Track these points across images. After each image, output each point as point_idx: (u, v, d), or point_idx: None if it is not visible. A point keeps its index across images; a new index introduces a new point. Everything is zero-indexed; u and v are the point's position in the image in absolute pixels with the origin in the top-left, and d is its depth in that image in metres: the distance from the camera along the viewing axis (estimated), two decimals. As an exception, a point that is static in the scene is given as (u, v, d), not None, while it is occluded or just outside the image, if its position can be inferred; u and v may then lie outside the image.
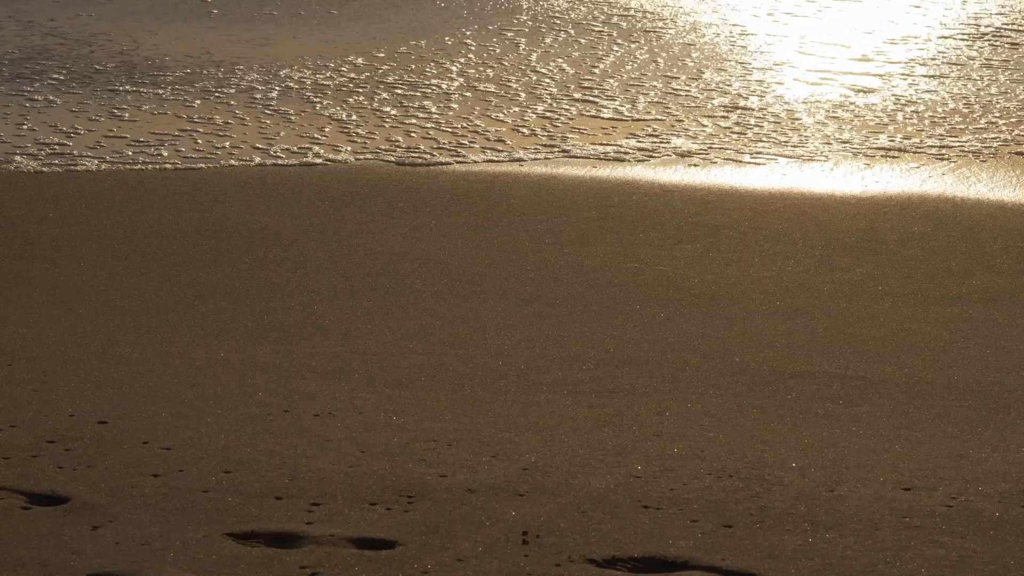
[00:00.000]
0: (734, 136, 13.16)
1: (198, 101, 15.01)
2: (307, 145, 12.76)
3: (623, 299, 8.63)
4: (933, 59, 17.12)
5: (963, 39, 18.48)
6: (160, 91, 15.40)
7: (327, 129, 13.48)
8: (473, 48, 18.05)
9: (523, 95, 15.19)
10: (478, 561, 4.91)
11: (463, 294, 8.69)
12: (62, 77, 15.79)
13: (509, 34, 19.17)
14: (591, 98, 15.29)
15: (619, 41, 18.59)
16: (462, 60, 17.22)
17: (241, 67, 16.66)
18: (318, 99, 15.08)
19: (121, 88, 15.48)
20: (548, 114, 14.26)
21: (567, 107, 14.60)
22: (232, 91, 15.41)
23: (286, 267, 9.20)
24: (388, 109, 14.52)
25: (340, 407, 6.51)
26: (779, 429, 6.37)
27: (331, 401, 6.60)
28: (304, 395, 6.69)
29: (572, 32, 19.14)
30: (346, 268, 9.22)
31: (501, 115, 14.23)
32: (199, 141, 12.94)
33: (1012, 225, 10.36)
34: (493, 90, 15.53)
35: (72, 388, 6.72)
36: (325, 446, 5.94)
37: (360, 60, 17.20)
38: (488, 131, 13.41)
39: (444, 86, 15.70)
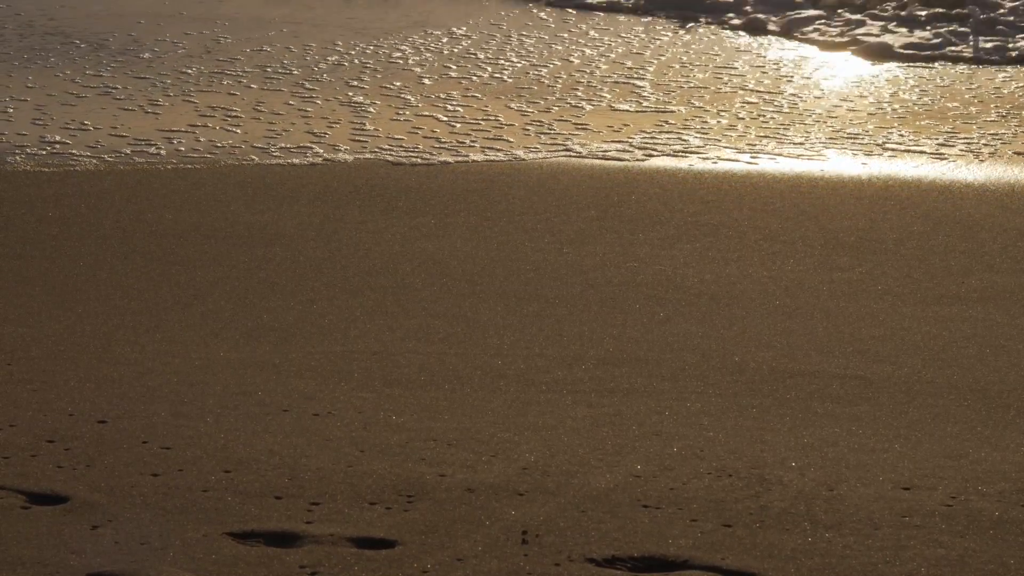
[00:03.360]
0: (738, 134, 13.14)
1: (254, 85, 15.05)
2: (307, 144, 12.75)
3: (622, 298, 8.63)
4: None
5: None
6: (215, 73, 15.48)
7: (337, 125, 13.45)
8: (532, 27, 18.06)
9: (557, 85, 15.21)
10: (478, 561, 4.91)
11: (462, 293, 8.69)
12: (66, 66, 15.76)
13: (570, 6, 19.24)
14: (623, 80, 15.28)
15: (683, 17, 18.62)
16: (519, 43, 17.21)
17: (340, 43, 16.74)
18: (355, 83, 15.11)
19: (142, 75, 15.50)
20: (565, 108, 14.23)
21: (586, 101, 14.57)
22: (284, 75, 15.48)
23: (285, 266, 9.20)
24: (410, 98, 14.53)
25: (339, 406, 6.52)
26: (778, 428, 6.37)
27: (330, 400, 6.61)
28: (303, 394, 6.69)
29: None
30: (345, 267, 9.22)
31: (523, 107, 14.22)
32: (201, 139, 12.92)
33: (1011, 224, 10.36)
34: (527, 78, 15.53)
35: (71, 387, 6.72)
36: (325, 445, 5.95)
37: (444, 37, 17.25)
38: (496, 128, 13.38)
39: (480, 74, 15.70)
